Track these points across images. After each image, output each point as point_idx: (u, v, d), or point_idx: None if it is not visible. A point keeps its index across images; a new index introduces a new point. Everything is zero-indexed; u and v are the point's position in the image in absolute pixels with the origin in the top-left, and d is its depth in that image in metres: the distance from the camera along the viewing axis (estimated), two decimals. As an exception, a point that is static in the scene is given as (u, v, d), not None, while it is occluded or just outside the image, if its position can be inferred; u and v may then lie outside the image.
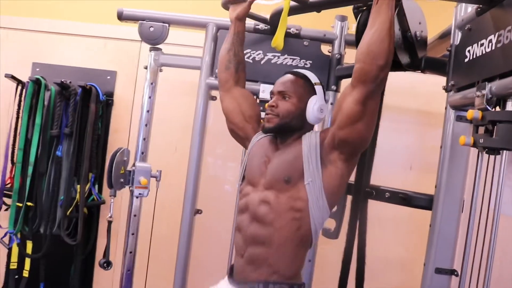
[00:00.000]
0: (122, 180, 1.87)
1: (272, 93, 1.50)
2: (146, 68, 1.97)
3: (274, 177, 1.40)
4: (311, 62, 1.86)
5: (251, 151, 1.53)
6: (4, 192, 2.48)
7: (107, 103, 2.57)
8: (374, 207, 2.30)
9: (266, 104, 1.81)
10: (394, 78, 2.35)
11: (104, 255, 2.01)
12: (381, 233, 2.44)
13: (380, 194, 1.71)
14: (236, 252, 1.47)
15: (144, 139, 1.97)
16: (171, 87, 2.48)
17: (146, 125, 1.97)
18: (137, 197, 1.93)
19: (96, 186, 2.48)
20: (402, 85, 2.40)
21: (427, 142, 2.45)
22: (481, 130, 1.24)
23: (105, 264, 1.98)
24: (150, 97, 1.97)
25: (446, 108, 1.53)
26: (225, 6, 1.68)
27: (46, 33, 2.69)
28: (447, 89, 1.52)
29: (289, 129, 1.45)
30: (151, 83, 1.97)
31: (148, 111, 1.97)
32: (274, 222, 1.36)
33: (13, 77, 2.43)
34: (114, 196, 1.89)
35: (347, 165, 1.37)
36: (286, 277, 1.37)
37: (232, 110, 1.64)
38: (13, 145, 2.47)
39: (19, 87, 2.47)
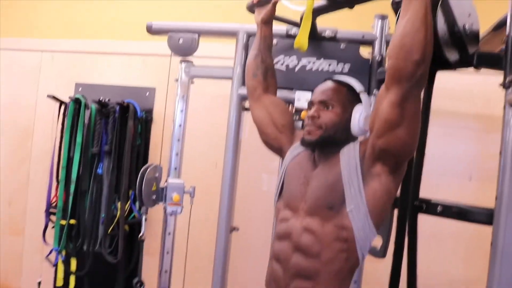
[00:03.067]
0: (154, 197, 1.80)
1: (311, 103, 1.35)
2: (176, 80, 1.91)
3: (316, 203, 1.26)
4: (349, 66, 1.72)
5: (288, 168, 1.40)
6: (50, 211, 2.52)
7: (146, 120, 2.55)
8: (431, 221, 2.10)
9: (303, 114, 1.71)
10: (449, 81, 2.16)
11: (137, 274, 1.95)
12: (439, 251, 2.22)
13: (431, 208, 1.51)
14: (273, 283, 1.34)
15: (177, 154, 1.90)
16: (213, 101, 2.42)
17: (178, 140, 1.90)
18: (170, 215, 1.86)
19: (137, 203, 2.45)
20: (457, 87, 2.20)
21: (488, 149, 2.20)
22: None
23: (138, 284, 1.91)
24: (182, 111, 1.90)
25: (504, 107, 1.33)
26: (251, 9, 1.59)
27: (88, 53, 2.74)
28: (504, 85, 1.32)
29: (332, 142, 1.30)
30: (183, 96, 1.91)
31: (180, 125, 1.90)
32: (321, 255, 1.22)
33: (54, 98, 2.47)
34: (146, 213, 1.83)
35: (393, 178, 1.20)
36: None
37: (263, 120, 1.53)
38: (58, 164, 2.50)
39: (62, 107, 2.52)
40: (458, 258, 2.20)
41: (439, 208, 1.50)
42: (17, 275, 2.82)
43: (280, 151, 1.51)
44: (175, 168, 1.89)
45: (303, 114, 1.70)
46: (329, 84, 1.35)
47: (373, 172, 1.19)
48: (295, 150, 1.42)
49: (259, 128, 1.55)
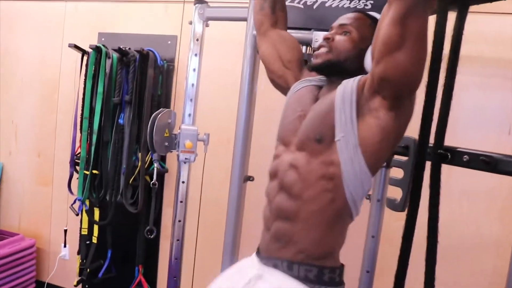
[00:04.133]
0: (166, 143, 1.75)
1: (331, 28, 1.25)
2: (190, 23, 1.82)
3: (306, 136, 1.14)
4: (372, 2, 1.57)
5: (287, 103, 1.29)
6: (75, 161, 2.55)
7: (167, 69, 2.49)
8: (463, 178, 1.95)
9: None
10: (488, 24, 1.96)
11: (157, 223, 1.93)
12: (471, 210, 2.07)
13: (457, 157, 1.37)
14: (264, 224, 1.25)
15: (191, 100, 1.83)
16: (238, 51, 2.33)
17: (192, 85, 1.83)
18: (184, 163, 1.81)
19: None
20: (498, 30, 1.98)
21: (532, 101, 2.00)
22: None
23: (148, 233, 1.89)
24: (196, 55, 1.82)
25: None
26: None
27: (111, 2, 2.67)
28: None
29: (339, 70, 1.18)
30: (197, 40, 1.82)
31: (194, 70, 1.82)
32: (302, 194, 1.10)
33: (76, 47, 2.45)
34: (158, 160, 1.78)
35: (394, 116, 1.04)
36: (315, 257, 1.11)
37: (269, 56, 1.41)
38: (82, 114, 2.50)
39: (85, 57, 2.49)
40: (492, 218, 2.04)
41: (465, 158, 1.36)
42: (47, 223, 2.91)
43: (287, 90, 1.39)
44: (189, 115, 1.82)
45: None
46: (354, 13, 1.25)
47: (371, 106, 1.05)
48: (299, 84, 1.31)
49: (265, 65, 1.44)
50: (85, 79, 2.47)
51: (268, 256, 1.17)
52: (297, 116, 1.21)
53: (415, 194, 1.38)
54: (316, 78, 1.31)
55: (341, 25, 1.21)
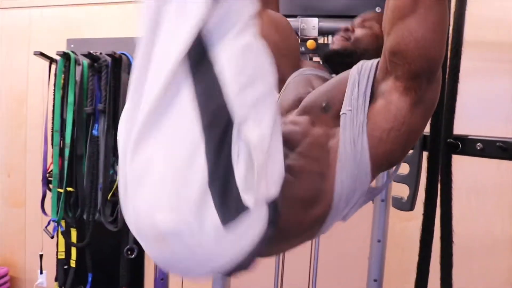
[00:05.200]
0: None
1: (352, 22, 1.15)
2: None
3: (312, 101, 0.94)
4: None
5: (291, 83, 1.11)
6: (48, 179, 2.35)
7: (143, 74, 2.32)
8: (470, 172, 1.81)
9: (311, 44, 1.44)
10: (498, 9, 1.84)
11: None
12: (480, 207, 1.93)
13: (469, 146, 1.22)
14: None
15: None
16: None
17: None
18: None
19: (138, 167, 2.24)
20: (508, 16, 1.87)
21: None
22: None
23: (128, 252, 1.71)
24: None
25: None
26: None
27: (79, 5, 2.51)
28: None
29: (354, 62, 0.98)
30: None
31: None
32: (298, 144, 0.85)
33: (42, 54, 2.26)
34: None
35: (408, 102, 0.84)
36: None
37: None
38: (52, 127, 2.31)
39: (53, 66, 2.31)
40: (503, 215, 1.90)
41: (479, 146, 1.21)
42: (21, 248, 2.70)
43: (281, 84, 1.17)
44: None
45: (310, 43, 1.44)
46: (379, 12, 1.18)
47: (383, 87, 0.87)
48: (306, 71, 1.13)
49: None
50: (54, 89, 2.28)
51: None
52: (305, 91, 1.01)
53: (431, 191, 1.24)
54: (323, 72, 1.14)
55: (365, 20, 1.11)
